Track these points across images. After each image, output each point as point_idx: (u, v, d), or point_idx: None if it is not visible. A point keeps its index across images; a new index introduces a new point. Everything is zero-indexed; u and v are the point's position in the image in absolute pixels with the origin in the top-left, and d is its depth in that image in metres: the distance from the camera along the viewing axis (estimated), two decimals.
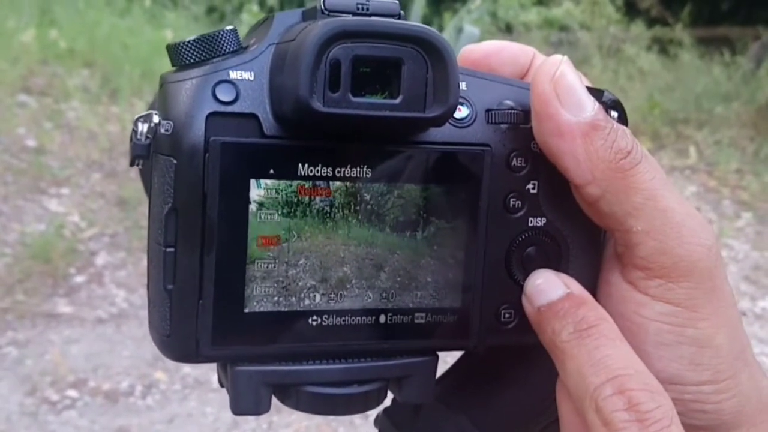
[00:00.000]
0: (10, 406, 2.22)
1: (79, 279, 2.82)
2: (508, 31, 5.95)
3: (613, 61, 5.33)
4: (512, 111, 0.39)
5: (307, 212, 0.36)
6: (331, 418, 2.26)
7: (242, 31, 0.38)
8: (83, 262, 2.90)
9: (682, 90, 4.96)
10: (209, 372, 2.43)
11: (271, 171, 0.35)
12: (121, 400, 2.31)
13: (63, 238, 2.97)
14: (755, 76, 5.12)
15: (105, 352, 2.49)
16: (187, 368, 2.44)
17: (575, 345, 0.36)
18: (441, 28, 4.93)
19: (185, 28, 4.92)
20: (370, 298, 0.37)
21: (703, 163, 4.35)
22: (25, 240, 2.93)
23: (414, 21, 0.38)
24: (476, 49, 0.42)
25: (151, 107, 0.38)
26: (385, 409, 0.47)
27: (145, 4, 5.09)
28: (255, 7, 5.56)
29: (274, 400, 0.38)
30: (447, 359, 0.44)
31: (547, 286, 0.38)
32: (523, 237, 0.39)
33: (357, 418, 2.26)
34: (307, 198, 0.36)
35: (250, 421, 2.27)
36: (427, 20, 5.33)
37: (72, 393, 2.30)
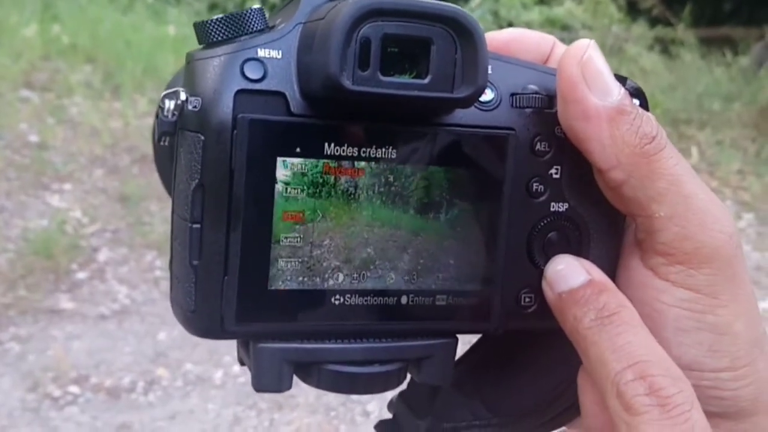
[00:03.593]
0: (11, 401, 2.22)
1: (81, 275, 2.82)
2: None
3: (615, 61, 5.32)
4: (537, 95, 0.39)
5: (332, 192, 0.36)
6: (333, 415, 2.26)
7: None
8: (85, 258, 2.90)
9: (683, 90, 4.96)
10: (211, 369, 2.43)
11: (298, 149, 0.35)
12: (123, 396, 2.31)
13: (65, 233, 2.97)
14: (757, 76, 5.12)
15: (107, 348, 2.49)
16: (188, 365, 2.44)
17: (597, 332, 0.36)
18: None
19: (187, 25, 4.92)
20: (392, 279, 0.37)
21: (704, 163, 4.35)
22: (27, 235, 2.93)
23: None
24: (497, 36, 0.42)
25: (170, 86, 0.38)
26: (401, 393, 0.47)
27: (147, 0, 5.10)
28: (257, 5, 5.56)
29: (296, 380, 0.38)
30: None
31: (569, 272, 0.38)
32: (545, 222, 0.39)
33: (358, 416, 2.27)
34: (332, 178, 0.35)
35: (251, 417, 2.27)
36: None
37: (74, 389, 2.30)
